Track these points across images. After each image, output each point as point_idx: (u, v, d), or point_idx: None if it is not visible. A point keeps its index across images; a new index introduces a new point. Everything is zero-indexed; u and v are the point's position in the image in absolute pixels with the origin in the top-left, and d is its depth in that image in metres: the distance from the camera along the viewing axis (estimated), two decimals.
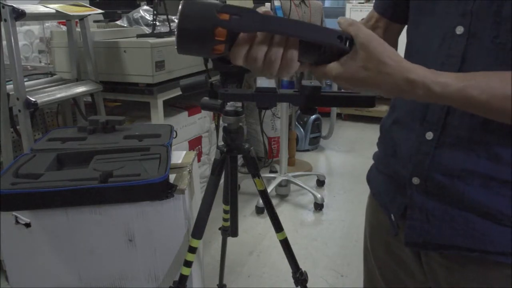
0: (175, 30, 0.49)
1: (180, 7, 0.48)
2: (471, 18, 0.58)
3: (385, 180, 0.76)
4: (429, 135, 0.64)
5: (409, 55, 0.71)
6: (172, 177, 1.15)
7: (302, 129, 3.62)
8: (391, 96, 0.57)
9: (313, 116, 3.60)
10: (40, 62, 2.52)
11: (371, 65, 0.53)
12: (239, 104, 1.16)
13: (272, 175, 2.81)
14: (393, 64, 0.53)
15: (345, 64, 0.54)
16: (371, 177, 0.83)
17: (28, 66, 2.29)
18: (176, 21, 0.49)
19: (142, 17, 2.25)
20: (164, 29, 2.15)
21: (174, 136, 1.37)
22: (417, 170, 0.66)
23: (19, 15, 1.47)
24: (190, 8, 0.48)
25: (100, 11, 1.91)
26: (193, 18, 0.48)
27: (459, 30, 0.59)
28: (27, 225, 1.06)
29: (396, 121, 0.73)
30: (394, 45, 0.81)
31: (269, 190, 2.58)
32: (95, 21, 2.15)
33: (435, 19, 0.64)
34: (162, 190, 1.05)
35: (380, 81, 0.53)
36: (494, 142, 0.59)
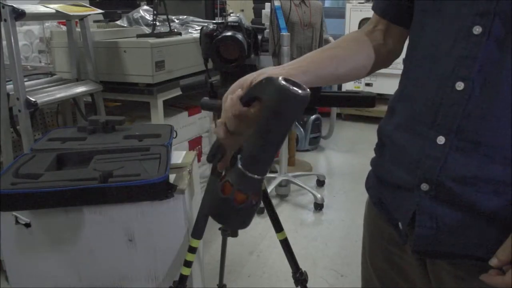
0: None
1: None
2: (493, 18, 0.56)
3: (388, 188, 0.73)
4: (441, 140, 0.61)
5: (412, 59, 0.68)
6: (172, 177, 1.15)
7: (302, 129, 3.62)
8: None
9: (313, 116, 3.60)
10: (40, 62, 2.52)
11: None
12: None
13: (272, 175, 2.81)
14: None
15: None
16: (371, 185, 0.80)
17: (28, 66, 2.29)
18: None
19: (142, 17, 2.26)
20: (164, 29, 2.15)
21: (174, 136, 1.37)
22: (426, 176, 0.63)
23: (19, 15, 1.47)
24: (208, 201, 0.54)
25: (100, 11, 1.91)
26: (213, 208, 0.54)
27: (477, 30, 0.57)
28: (27, 225, 1.06)
29: (399, 126, 0.70)
30: (400, 51, 0.78)
31: (269, 190, 2.58)
32: (95, 21, 2.15)
33: (443, 20, 0.61)
34: (162, 190, 1.05)
35: None
36: (510, 145, 0.56)
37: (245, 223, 0.54)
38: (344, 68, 0.72)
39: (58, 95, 1.69)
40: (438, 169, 0.61)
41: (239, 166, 0.50)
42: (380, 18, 0.76)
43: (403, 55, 0.75)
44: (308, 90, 0.47)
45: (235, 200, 0.50)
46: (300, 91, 0.45)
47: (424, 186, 0.63)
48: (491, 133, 0.57)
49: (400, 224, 0.71)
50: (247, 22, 1.19)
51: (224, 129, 0.58)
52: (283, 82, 0.46)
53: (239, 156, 0.51)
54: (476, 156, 0.59)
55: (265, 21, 2.92)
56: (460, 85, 0.59)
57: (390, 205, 0.73)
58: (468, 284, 0.64)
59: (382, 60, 0.77)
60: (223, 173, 0.58)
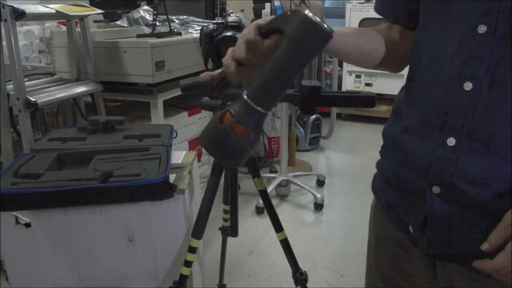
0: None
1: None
2: (497, 16, 0.56)
3: (396, 191, 0.73)
4: (451, 141, 0.60)
5: (417, 61, 0.68)
6: (172, 177, 1.15)
7: (302, 129, 3.62)
8: None
9: (313, 116, 3.60)
10: (40, 62, 2.52)
11: None
12: None
13: (272, 175, 2.81)
14: None
15: None
16: (377, 189, 0.79)
17: (28, 66, 2.29)
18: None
19: (142, 17, 2.26)
20: (164, 29, 2.15)
21: (174, 136, 1.37)
22: (438, 179, 0.62)
23: (19, 15, 1.47)
24: (203, 137, 0.51)
25: (100, 11, 1.91)
26: (209, 140, 0.51)
27: (481, 29, 0.57)
28: (27, 225, 1.06)
29: (406, 129, 0.69)
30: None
31: (269, 190, 2.58)
32: (95, 21, 2.15)
33: (447, 20, 0.61)
34: (162, 190, 1.05)
35: None
36: None
37: (239, 160, 0.50)
38: (370, 45, 0.71)
39: (58, 95, 1.69)
40: (450, 171, 0.61)
41: (244, 96, 0.47)
42: (393, 23, 0.75)
43: None
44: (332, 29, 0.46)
45: (233, 131, 0.47)
46: (326, 26, 0.45)
47: (436, 189, 0.63)
48: (501, 132, 0.57)
49: (410, 227, 0.70)
50: (247, 22, 1.19)
51: (232, 55, 0.56)
52: (311, 14, 0.45)
53: (245, 88, 0.49)
54: (488, 156, 0.58)
55: None
56: (468, 85, 0.58)
57: (399, 209, 0.73)
58: (481, 285, 0.63)
59: (400, 59, 0.75)
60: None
